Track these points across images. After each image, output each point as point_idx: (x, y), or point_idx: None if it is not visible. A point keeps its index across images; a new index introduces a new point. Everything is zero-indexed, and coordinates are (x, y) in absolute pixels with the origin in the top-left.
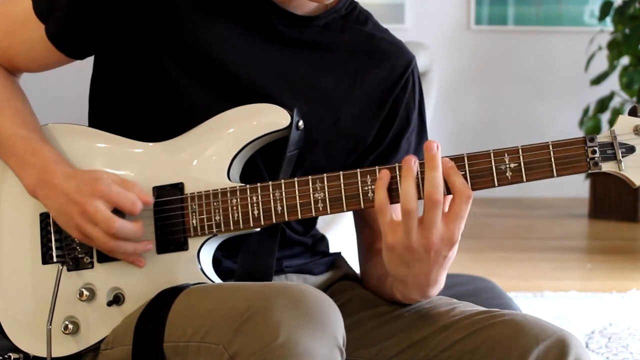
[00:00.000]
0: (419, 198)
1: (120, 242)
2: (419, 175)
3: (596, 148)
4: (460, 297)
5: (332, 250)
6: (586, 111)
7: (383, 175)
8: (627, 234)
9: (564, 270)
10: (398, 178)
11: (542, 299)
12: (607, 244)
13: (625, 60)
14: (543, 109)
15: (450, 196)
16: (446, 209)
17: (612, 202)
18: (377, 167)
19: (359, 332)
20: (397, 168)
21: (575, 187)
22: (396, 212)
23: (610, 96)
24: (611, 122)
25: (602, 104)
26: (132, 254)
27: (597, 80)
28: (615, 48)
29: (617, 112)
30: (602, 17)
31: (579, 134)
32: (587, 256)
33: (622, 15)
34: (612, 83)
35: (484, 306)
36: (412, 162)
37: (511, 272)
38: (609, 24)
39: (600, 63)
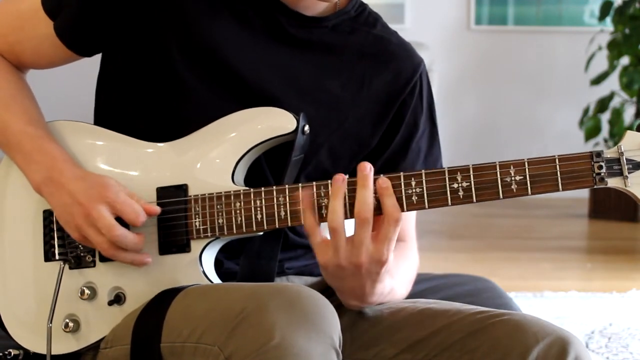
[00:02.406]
0: (347, 217)
1: (119, 251)
2: (346, 194)
3: (602, 163)
4: (460, 297)
5: None
6: (586, 111)
7: (305, 196)
8: (627, 234)
9: (564, 270)
10: (347, 195)
11: (542, 299)
12: (607, 244)
13: (625, 60)
14: (543, 109)
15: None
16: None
17: (612, 202)
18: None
19: (358, 332)
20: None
21: None
22: (325, 231)
23: (610, 96)
24: (611, 123)
25: (602, 104)
26: (130, 257)
27: (597, 80)
28: (615, 48)
29: (617, 112)
30: (602, 17)
31: (579, 134)
32: (587, 256)
33: (622, 15)
34: (612, 83)
35: (484, 306)
36: (341, 181)
37: (511, 272)
38: (609, 24)
39: (600, 63)
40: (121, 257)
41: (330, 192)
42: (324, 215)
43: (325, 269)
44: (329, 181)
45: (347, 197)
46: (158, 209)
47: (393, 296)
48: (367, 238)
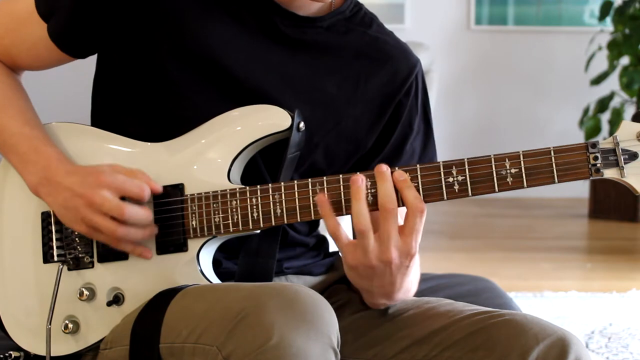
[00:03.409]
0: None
1: (130, 228)
2: (369, 192)
3: (598, 154)
4: (460, 297)
5: (331, 249)
6: (586, 111)
7: (322, 203)
8: (627, 234)
9: (564, 270)
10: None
11: (542, 299)
12: (607, 244)
13: (625, 60)
14: (543, 109)
15: (404, 208)
16: (401, 222)
17: (612, 202)
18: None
19: (358, 332)
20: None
21: (575, 187)
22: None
23: (610, 96)
24: (611, 122)
25: (602, 104)
26: (139, 246)
27: (597, 80)
28: (615, 48)
29: (617, 112)
30: (602, 17)
31: (579, 134)
32: (587, 256)
33: (622, 15)
34: (612, 83)
35: (484, 306)
36: (359, 182)
37: (511, 272)
38: (609, 24)
39: (600, 63)
40: (132, 234)
41: (350, 194)
42: (319, 212)
43: (355, 269)
44: (324, 178)
45: (369, 194)
46: (160, 187)
47: (411, 293)
48: (393, 230)
